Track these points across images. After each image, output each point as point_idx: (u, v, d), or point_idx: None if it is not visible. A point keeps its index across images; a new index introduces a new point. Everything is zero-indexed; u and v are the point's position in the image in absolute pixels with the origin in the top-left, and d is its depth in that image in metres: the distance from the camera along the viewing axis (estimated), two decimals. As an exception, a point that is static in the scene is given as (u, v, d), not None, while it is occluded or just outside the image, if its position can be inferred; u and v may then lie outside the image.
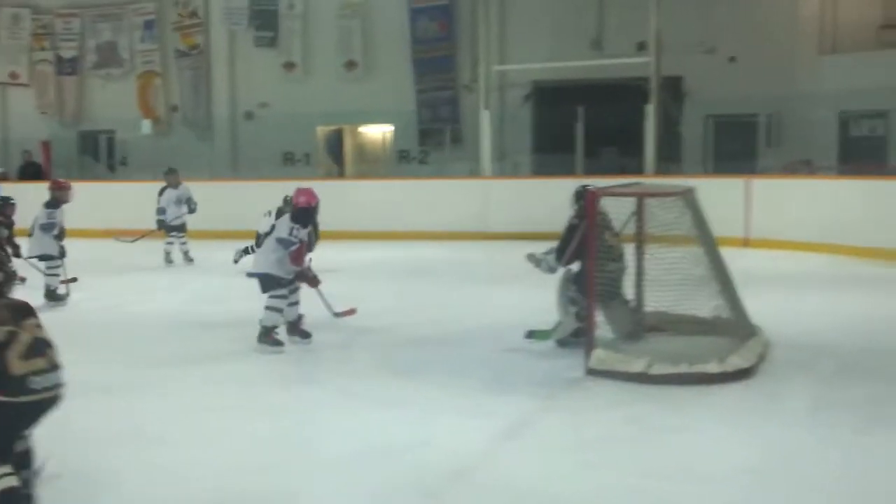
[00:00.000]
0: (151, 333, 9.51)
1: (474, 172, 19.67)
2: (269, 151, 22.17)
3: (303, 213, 8.58)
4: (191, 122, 23.64)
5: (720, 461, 5.62)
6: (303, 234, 8.55)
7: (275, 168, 21.60)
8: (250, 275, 8.76)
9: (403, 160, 22.16)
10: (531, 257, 8.43)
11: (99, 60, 24.26)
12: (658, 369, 7.24)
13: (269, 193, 13.24)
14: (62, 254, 11.19)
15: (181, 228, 15.01)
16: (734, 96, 18.69)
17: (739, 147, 18.79)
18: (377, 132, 22.66)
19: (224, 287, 12.09)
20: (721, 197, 14.63)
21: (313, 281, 8.84)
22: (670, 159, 18.76)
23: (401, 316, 10.19)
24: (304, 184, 9.15)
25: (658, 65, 18.26)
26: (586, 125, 18.80)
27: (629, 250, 8.21)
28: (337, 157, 23.12)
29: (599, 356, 7.49)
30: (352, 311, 9.36)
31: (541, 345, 8.25)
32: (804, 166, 17.59)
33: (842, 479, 5.33)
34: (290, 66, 22.72)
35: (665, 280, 7.95)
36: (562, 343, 8.24)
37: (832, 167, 16.80)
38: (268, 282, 8.51)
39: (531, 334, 8.34)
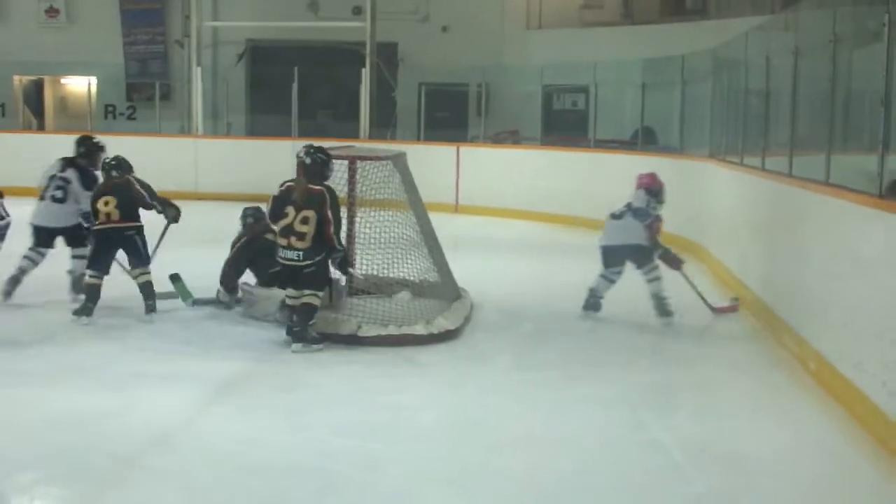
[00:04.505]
0: None
1: (185, 131, 19.12)
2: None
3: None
4: None
5: (425, 420, 5.75)
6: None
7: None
8: None
9: (110, 115, 21.19)
10: None
11: None
12: (367, 331, 7.29)
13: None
14: None
15: None
16: (446, 65, 19.08)
17: (451, 116, 19.18)
18: (81, 85, 21.46)
19: None
20: (433, 164, 14.98)
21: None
22: (385, 125, 18.95)
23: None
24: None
25: (373, 30, 18.40)
26: (302, 87, 18.61)
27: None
28: (36, 109, 21.87)
29: (309, 319, 7.45)
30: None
31: (253, 311, 8.04)
32: (511, 136, 18.20)
33: (538, 433, 5.57)
34: (-18, 10, 21.18)
35: (375, 242, 8.02)
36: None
37: (537, 138, 17.45)
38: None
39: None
